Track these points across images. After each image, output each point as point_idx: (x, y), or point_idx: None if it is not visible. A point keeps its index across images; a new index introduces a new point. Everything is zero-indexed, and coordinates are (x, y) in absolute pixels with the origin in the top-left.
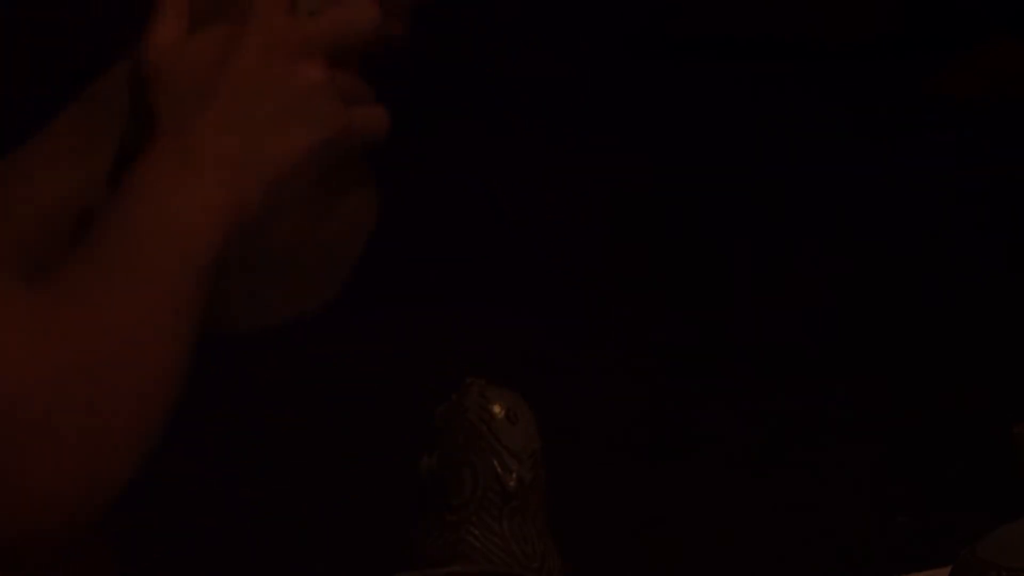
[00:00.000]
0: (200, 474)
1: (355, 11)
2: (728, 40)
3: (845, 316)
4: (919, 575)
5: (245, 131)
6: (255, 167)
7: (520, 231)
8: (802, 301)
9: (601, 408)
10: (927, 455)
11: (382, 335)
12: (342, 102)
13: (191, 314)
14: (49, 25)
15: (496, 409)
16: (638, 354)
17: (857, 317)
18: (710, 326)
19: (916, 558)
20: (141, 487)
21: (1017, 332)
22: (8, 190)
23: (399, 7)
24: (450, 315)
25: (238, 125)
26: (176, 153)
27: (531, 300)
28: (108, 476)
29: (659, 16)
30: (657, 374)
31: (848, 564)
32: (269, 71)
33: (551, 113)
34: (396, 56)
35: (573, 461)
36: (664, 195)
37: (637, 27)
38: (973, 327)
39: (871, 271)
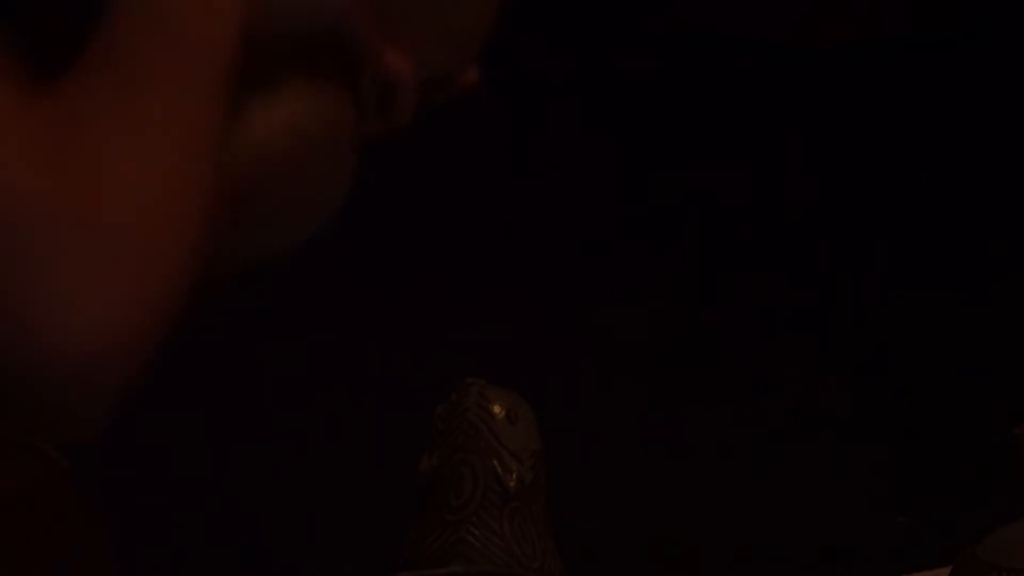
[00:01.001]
0: (200, 474)
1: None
2: (727, 40)
3: (845, 316)
4: (919, 575)
5: None
6: None
7: (520, 231)
8: (801, 301)
9: (601, 408)
10: (927, 455)
11: (382, 335)
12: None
13: (219, 110)
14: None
15: (496, 409)
16: (638, 354)
17: (857, 317)
18: (709, 326)
19: (916, 558)
20: (141, 487)
21: (1017, 332)
22: None
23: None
24: (450, 315)
25: None
26: None
27: (531, 300)
28: (136, 326)
29: (659, 16)
30: (657, 374)
31: (848, 564)
32: None
33: (551, 113)
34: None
35: (573, 461)
36: (664, 195)
37: (637, 27)
38: (973, 327)
39: (871, 271)
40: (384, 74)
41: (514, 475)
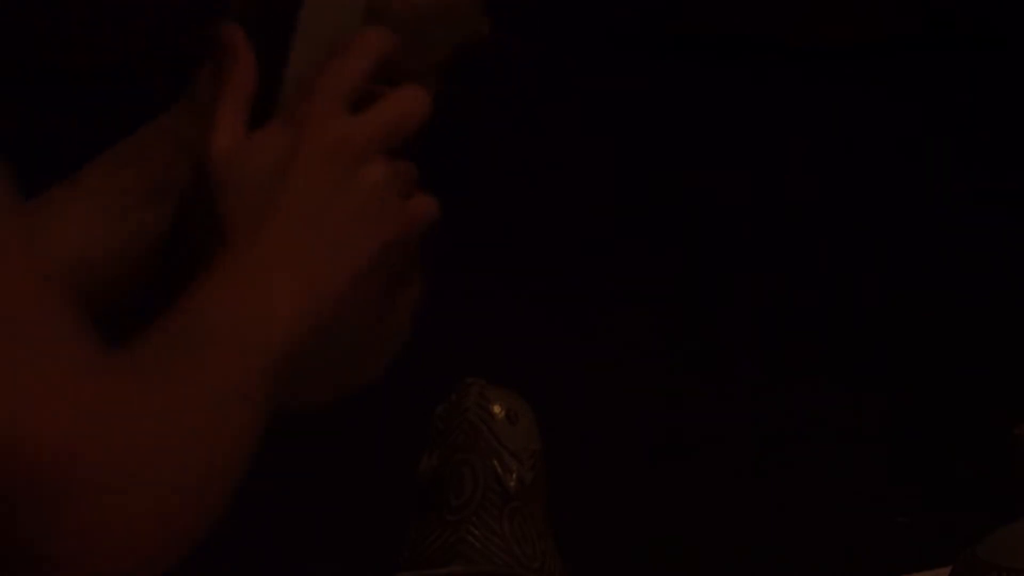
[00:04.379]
0: None
1: (408, 101)
2: (727, 40)
3: (845, 317)
4: (919, 575)
5: (314, 240)
6: (328, 272)
7: (520, 231)
8: (801, 301)
9: (601, 408)
10: (927, 455)
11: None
12: (402, 197)
13: (261, 407)
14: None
15: (496, 409)
16: (638, 354)
17: (857, 318)
18: (710, 326)
19: (916, 558)
20: None
21: (1017, 332)
22: (48, 234)
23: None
24: (450, 315)
25: (306, 234)
26: (248, 263)
27: (531, 301)
28: (158, 557)
29: (659, 16)
30: (657, 374)
31: (848, 564)
32: (332, 177)
33: (551, 113)
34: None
35: (573, 461)
36: (664, 195)
37: (637, 27)
38: (973, 327)
39: (871, 271)
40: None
41: (514, 475)
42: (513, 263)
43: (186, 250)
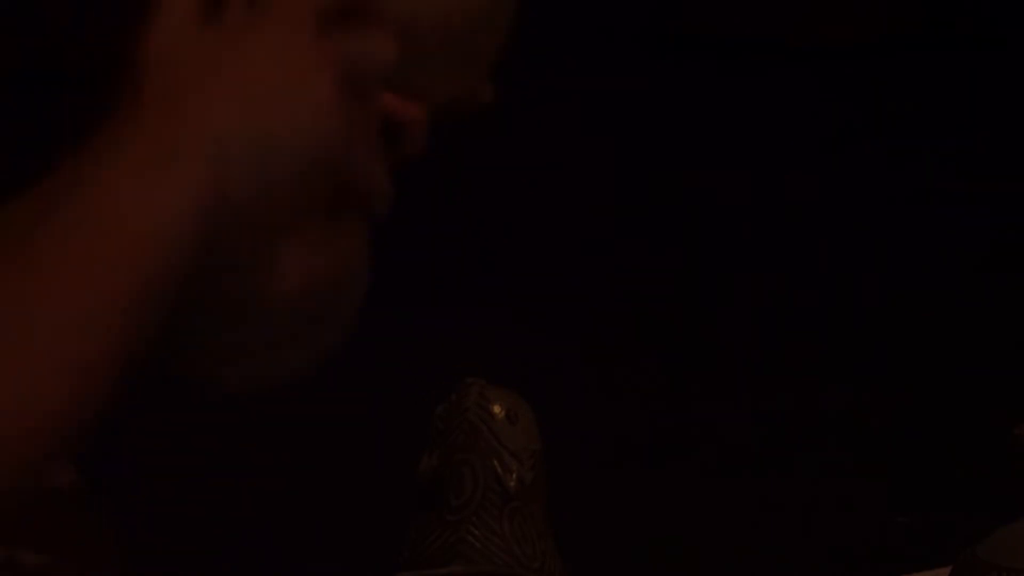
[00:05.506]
0: (200, 474)
1: (373, 42)
2: (727, 40)
3: (845, 316)
4: (919, 575)
5: (241, 101)
6: (244, 143)
7: (520, 231)
8: (801, 301)
9: (601, 408)
10: (927, 455)
11: (382, 335)
12: (350, 137)
13: (147, 311)
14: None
15: (496, 409)
16: (638, 354)
17: (857, 317)
18: (709, 326)
19: (916, 558)
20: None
21: (1017, 333)
22: None
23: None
24: (450, 315)
25: (234, 96)
26: (154, 125)
27: (531, 301)
28: (17, 446)
29: (659, 16)
30: (657, 374)
31: (848, 564)
32: (284, 47)
33: (550, 113)
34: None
35: (573, 461)
36: (664, 195)
37: (637, 27)
38: (973, 328)
39: (871, 271)
40: (393, 118)
41: (514, 475)
42: (513, 263)
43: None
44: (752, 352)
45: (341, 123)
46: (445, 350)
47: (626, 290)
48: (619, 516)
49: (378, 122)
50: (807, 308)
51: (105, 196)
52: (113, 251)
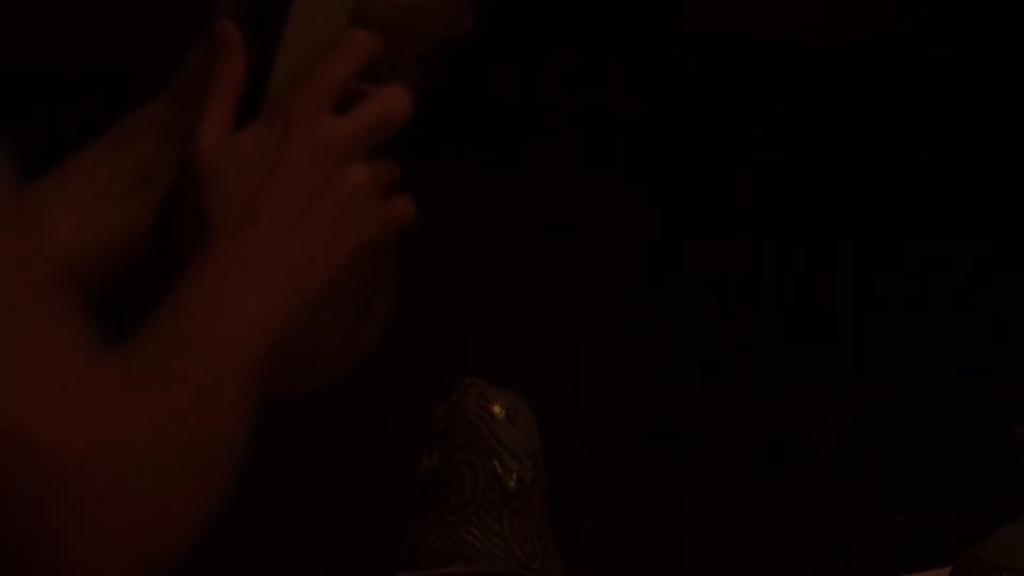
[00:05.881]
0: None
1: (392, 101)
2: (727, 40)
3: (845, 316)
4: (919, 575)
5: (295, 239)
6: (309, 271)
7: (520, 231)
8: (802, 301)
9: (601, 408)
10: (927, 455)
11: (382, 335)
12: (383, 198)
13: (250, 400)
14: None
15: (496, 409)
16: (638, 354)
17: (857, 317)
18: (710, 326)
19: (916, 558)
20: None
21: (1017, 332)
22: (45, 222)
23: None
24: (450, 315)
25: (288, 233)
26: (236, 258)
27: (531, 300)
28: (156, 558)
29: (659, 16)
30: (657, 374)
31: (848, 564)
32: (315, 177)
33: (550, 113)
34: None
35: (573, 461)
36: (663, 195)
37: (637, 27)
38: (973, 328)
39: (871, 271)
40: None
41: (514, 475)
42: (513, 263)
43: (173, 242)
44: (752, 352)
45: (378, 203)
46: (445, 350)
47: (626, 291)
48: (619, 515)
49: (391, 172)
50: (807, 308)
51: (212, 309)
52: (228, 345)
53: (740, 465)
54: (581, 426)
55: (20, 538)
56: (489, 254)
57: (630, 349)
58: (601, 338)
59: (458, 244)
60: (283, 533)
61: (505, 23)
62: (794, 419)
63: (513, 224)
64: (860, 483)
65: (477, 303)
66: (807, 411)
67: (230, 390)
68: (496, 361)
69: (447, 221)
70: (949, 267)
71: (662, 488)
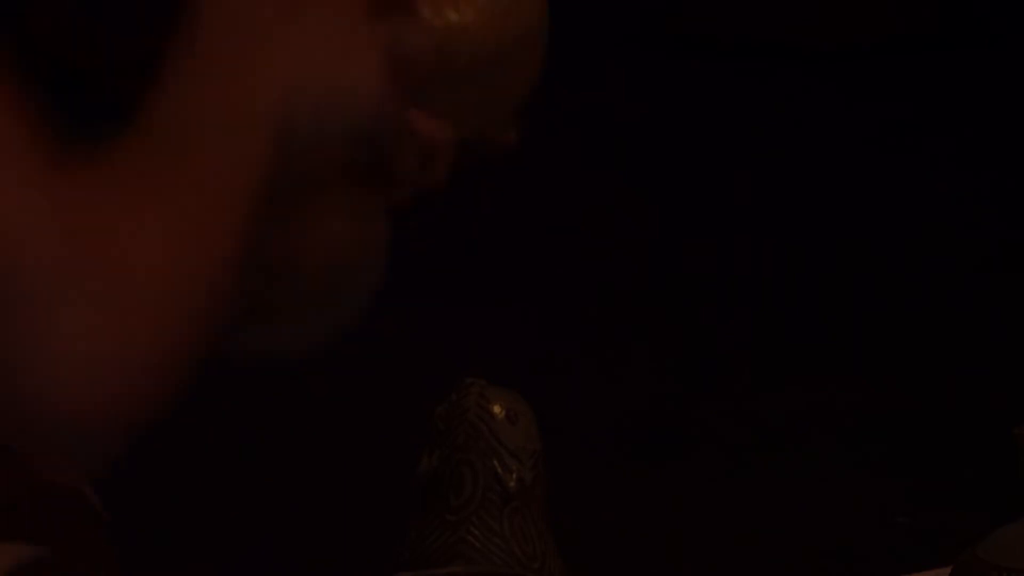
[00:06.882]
0: (200, 474)
1: (414, 33)
2: (727, 40)
3: (845, 316)
4: (919, 575)
5: (304, 61)
6: (307, 97)
7: (520, 231)
8: (801, 301)
9: (601, 408)
10: (927, 455)
11: (382, 335)
12: (388, 114)
13: (239, 244)
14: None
15: (496, 409)
16: (638, 354)
17: (857, 317)
18: (709, 326)
19: (916, 558)
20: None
21: (1017, 332)
22: None
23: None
24: (449, 315)
25: (297, 56)
26: (228, 76)
27: (531, 300)
28: (123, 391)
29: (659, 16)
30: (657, 374)
31: (848, 564)
32: (340, 19)
33: (549, 114)
34: None
35: (573, 461)
36: (663, 195)
37: (636, 27)
38: (973, 327)
39: (871, 271)
40: (421, 141)
41: (514, 475)
42: (512, 263)
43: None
44: (752, 351)
45: (384, 98)
46: (445, 350)
47: (626, 290)
48: (619, 516)
49: (411, 124)
50: (807, 307)
51: (209, 116)
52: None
53: (740, 465)
54: (581, 426)
55: None
56: (489, 254)
57: (630, 349)
58: (601, 338)
59: (457, 244)
60: (283, 533)
61: None
62: (794, 419)
63: (513, 224)
64: (860, 483)
65: (477, 303)
66: (807, 411)
67: (225, 215)
68: (496, 361)
69: (446, 221)
70: (949, 267)
71: (662, 488)
